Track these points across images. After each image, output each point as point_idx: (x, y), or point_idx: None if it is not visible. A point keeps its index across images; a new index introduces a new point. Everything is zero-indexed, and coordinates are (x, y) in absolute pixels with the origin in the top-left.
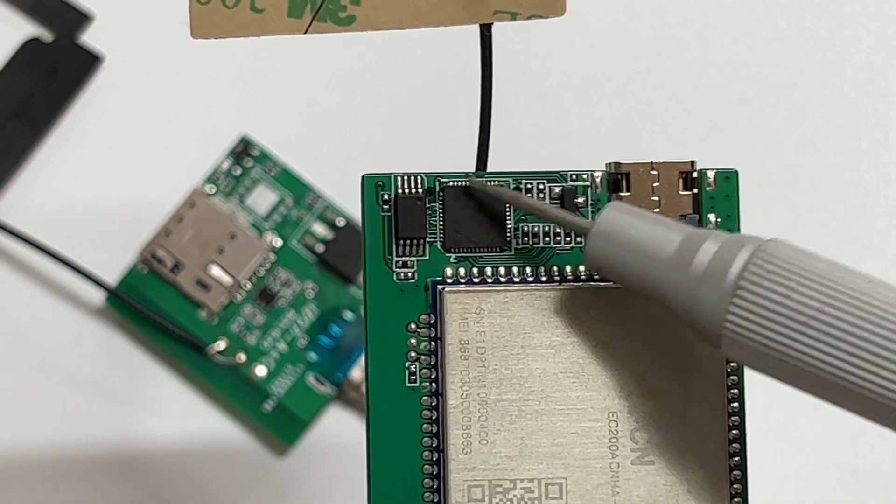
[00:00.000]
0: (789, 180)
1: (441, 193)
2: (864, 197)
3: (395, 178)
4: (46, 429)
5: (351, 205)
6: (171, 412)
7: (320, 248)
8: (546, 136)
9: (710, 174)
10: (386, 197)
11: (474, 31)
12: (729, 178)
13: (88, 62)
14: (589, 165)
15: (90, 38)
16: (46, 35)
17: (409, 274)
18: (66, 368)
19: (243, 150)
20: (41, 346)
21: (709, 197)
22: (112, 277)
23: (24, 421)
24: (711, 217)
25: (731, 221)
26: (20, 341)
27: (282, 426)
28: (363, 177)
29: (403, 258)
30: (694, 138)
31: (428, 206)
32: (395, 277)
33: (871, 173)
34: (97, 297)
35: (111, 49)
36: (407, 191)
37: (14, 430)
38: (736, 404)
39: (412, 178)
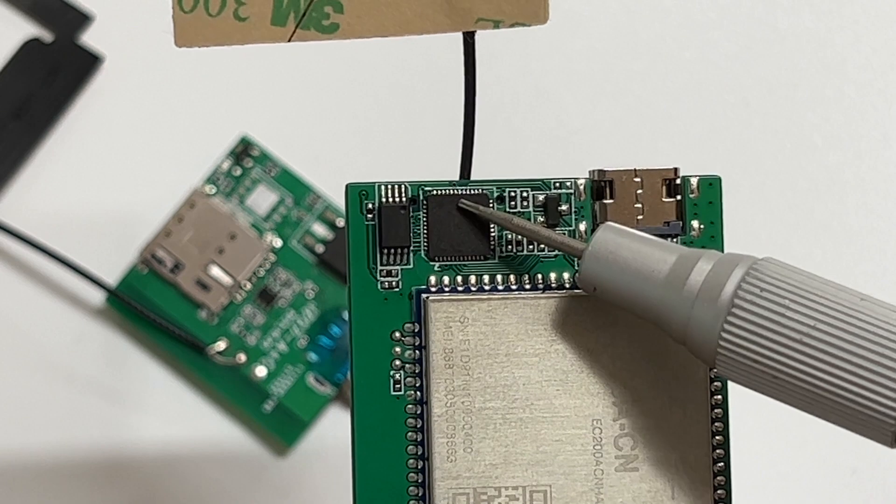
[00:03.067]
0: (789, 180)
1: (425, 202)
2: (864, 197)
3: (379, 186)
4: (46, 428)
5: None
6: (171, 412)
7: (320, 248)
8: (544, 138)
9: (693, 181)
10: (370, 206)
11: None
12: (712, 185)
13: (88, 62)
14: (589, 166)
15: (90, 38)
16: (46, 35)
17: (394, 283)
18: (66, 368)
19: (243, 151)
20: (41, 346)
21: (692, 203)
22: (112, 277)
23: (23, 421)
24: (695, 223)
25: (714, 227)
26: (20, 341)
27: (282, 426)
28: (347, 186)
29: (387, 267)
30: (694, 138)
31: (412, 214)
32: (379, 286)
33: (871, 173)
34: (97, 297)
35: (111, 49)
36: (391, 200)
37: (14, 429)
38: (719, 410)
39: (396, 186)
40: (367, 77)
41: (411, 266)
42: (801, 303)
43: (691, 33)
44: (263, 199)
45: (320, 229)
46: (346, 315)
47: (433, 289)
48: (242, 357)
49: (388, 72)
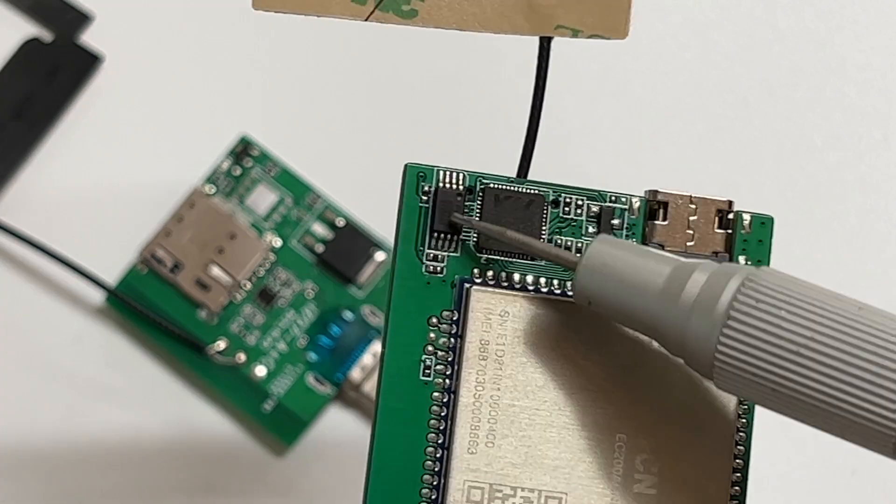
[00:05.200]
0: (789, 180)
1: (481, 193)
2: (864, 197)
3: (437, 171)
4: (46, 428)
5: (351, 205)
6: (171, 412)
7: (320, 248)
8: (542, 139)
9: (746, 217)
10: (426, 188)
11: (485, 37)
12: (764, 224)
13: (88, 62)
14: (587, 167)
15: (90, 38)
16: (46, 35)
17: (439, 268)
18: (66, 368)
19: (243, 150)
20: (41, 346)
21: (742, 239)
22: (112, 277)
23: (23, 421)
24: (741, 259)
25: (761, 266)
26: (20, 341)
27: (281, 426)
28: (406, 165)
29: (435, 251)
30: (694, 139)
31: (466, 203)
32: (423, 269)
33: (871, 173)
34: (97, 297)
35: (111, 49)
36: (447, 185)
37: (13, 430)
38: (742, 448)
39: (454, 174)
40: (367, 77)
41: (458, 254)
42: (797, 313)
43: (691, 33)
44: (263, 198)
45: (320, 229)
46: (345, 314)
47: (477, 280)
48: (242, 357)
49: (389, 72)
